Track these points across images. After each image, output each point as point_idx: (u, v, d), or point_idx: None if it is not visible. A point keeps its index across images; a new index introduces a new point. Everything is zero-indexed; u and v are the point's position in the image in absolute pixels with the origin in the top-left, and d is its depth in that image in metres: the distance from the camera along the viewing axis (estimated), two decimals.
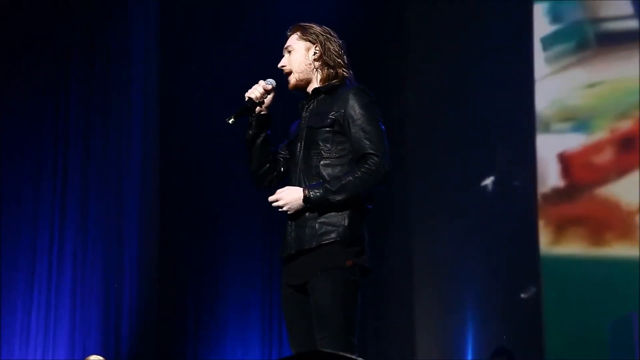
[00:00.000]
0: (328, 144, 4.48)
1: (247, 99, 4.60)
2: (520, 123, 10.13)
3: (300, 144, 4.56)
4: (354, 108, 4.43)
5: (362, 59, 9.91)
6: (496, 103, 10.10)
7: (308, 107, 4.60)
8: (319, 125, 4.50)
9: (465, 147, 10.22)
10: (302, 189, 4.41)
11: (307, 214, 4.44)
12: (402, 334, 10.24)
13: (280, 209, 4.46)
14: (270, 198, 4.47)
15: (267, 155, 4.71)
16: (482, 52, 10.24)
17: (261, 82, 4.62)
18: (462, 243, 10.12)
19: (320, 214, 4.41)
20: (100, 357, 7.25)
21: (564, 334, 9.58)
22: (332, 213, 4.41)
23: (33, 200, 8.73)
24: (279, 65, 4.67)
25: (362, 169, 4.36)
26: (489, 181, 10.28)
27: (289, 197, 4.42)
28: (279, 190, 4.46)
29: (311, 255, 4.40)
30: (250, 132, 4.64)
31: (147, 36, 9.54)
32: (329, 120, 4.47)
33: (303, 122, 4.60)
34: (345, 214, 4.40)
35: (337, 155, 4.46)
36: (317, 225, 4.41)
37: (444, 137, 10.38)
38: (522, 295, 9.92)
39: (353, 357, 3.15)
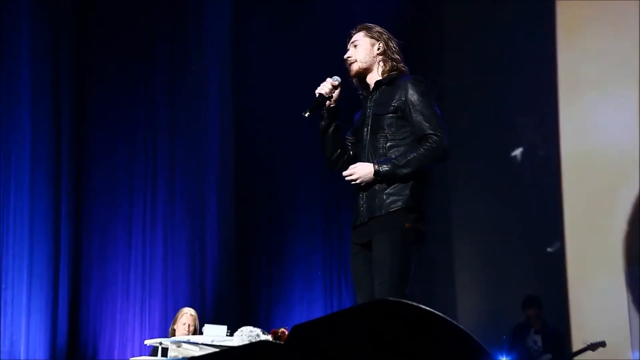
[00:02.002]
0: (392, 128, 4.70)
1: (317, 95, 4.87)
2: (543, 102, 10.30)
3: (367, 130, 4.79)
4: (413, 95, 4.66)
5: (408, 46, 10.63)
6: (520, 86, 10.38)
7: (372, 97, 4.84)
8: (383, 112, 4.74)
9: (496, 124, 10.45)
10: (372, 164, 4.64)
11: (376, 186, 4.65)
12: (444, 281, 10.47)
13: (353, 182, 4.69)
14: (345, 173, 4.74)
15: (338, 142, 4.95)
16: (508, 42, 10.41)
17: (329, 79, 4.90)
18: (494, 206, 10.31)
19: (388, 186, 4.63)
20: (192, 309, 7.50)
21: (584, 284, 9.76)
22: (398, 186, 4.62)
23: (128, 177, 8.86)
24: (345, 56, 4.96)
25: (425, 147, 4.58)
26: (518, 152, 10.48)
27: (361, 171, 4.65)
28: (352, 166, 4.71)
29: (379, 219, 4.65)
30: (323, 123, 4.91)
31: (221, 36, 9.66)
32: (392, 108, 4.69)
33: (368, 110, 4.82)
34: (409, 186, 4.61)
35: (400, 137, 4.68)
36: (384, 196, 4.63)
37: (477, 115, 10.50)
38: (549, 249, 10.22)
39: (416, 304, 3.09)
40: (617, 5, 10.04)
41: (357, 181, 4.69)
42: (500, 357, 8.76)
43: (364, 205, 4.74)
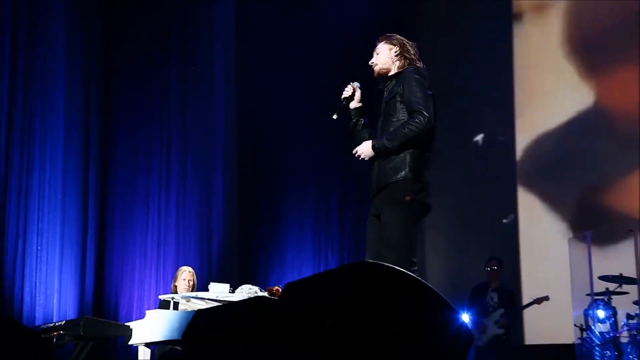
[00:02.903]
0: (395, 110, 4.79)
1: (342, 99, 5.06)
2: (501, 95, 10.38)
3: (381, 117, 4.92)
4: (410, 80, 4.76)
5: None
6: (482, 77, 10.45)
7: (386, 89, 4.98)
8: (389, 98, 4.87)
9: (461, 113, 10.47)
10: (371, 141, 4.80)
11: (377, 161, 4.76)
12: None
13: (359, 158, 4.81)
14: (353, 151, 4.86)
15: (365, 135, 4.99)
16: (472, 38, 10.52)
17: (350, 84, 5.14)
18: (460, 183, 10.48)
19: (386, 160, 4.71)
20: (189, 267, 7.49)
21: (533, 250, 9.91)
22: (396, 158, 4.67)
23: (146, 159, 8.85)
24: (370, 62, 5.10)
25: (411, 122, 4.64)
26: (479, 137, 10.66)
27: (362, 148, 4.79)
28: (358, 146, 4.84)
29: (385, 191, 4.70)
30: (352, 121, 5.06)
31: (227, 41, 9.69)
32: (393, 93, 4.82)
33: (383, 101, 4.95)
34: (407, 159, 4.66)
35: (400, 118, 4.74)
36: (387, 169, 4.69)
37: (445, 104, 10.49)
38: (505, 221, 10.34)
39: (391, 266, 3.16)
40: None
41: (361, 157, 4.81)
42: (463, 312, 8.81)
43: (374, 179, 4.82)
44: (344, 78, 10.32)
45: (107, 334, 6.21)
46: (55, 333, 5.91)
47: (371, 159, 4.81)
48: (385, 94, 4.96)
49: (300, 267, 9.86)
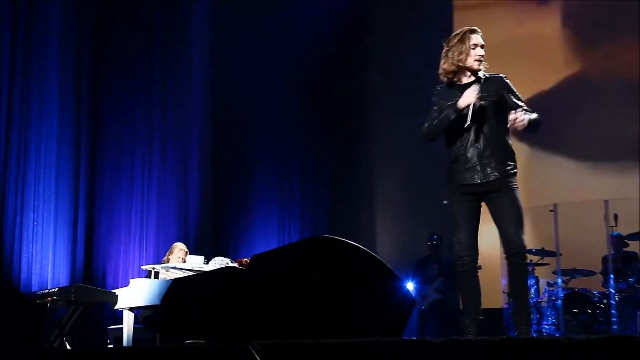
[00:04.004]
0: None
1: (471, 105, 4.33)
2: None
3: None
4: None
5: (343, 49, 10.43)
6: (431, 78, 10.63)
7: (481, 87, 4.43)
8: (496, 97, 4.47)
9: (413, 106, 10.25)
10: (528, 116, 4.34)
11: (489, 150, 4.39)
12: (368, 226, 10.56)
13: (521, 124, 4.31)
14: (518, 117, 4.30)
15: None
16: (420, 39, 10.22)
17: (471, 88, 4.38)
18: (409, 167, 10.33)
19: (503, 152, 4.43)
20: (184, 245, 7.34)
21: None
22: (512, 154, 4.47)
23: (131, 143, 8.67)
24: (483, 54, 4.45)
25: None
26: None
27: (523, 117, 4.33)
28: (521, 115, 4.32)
29: (504, 178, 4.41)
30: (469, 123, 4.36)
31: (202, 32, 9.54)
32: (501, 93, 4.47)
33: (487, 99, 4.46)
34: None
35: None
36: (505, 160, 4.42)
37: (398, 99, 10.45)
38: (445, 202, 10.59)
39: (345, 240, 3.19)
40: None
41: (523, 122, 4.34)
42: (408, 281, 8.87)
43: (488, 169, 4.42)
44: (311, 72, 10.32)
45: (96, 300, 6.21)
46: (49, 298, 5.89)
47: (474, 150, 4.38)
48: (483, 92, 4.39)
49: (267, 240, 9.79)
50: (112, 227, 8.43)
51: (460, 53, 4.44)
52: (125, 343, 5.95)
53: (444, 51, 4.54)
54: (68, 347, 5.95)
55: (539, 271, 8.17)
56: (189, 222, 9.11)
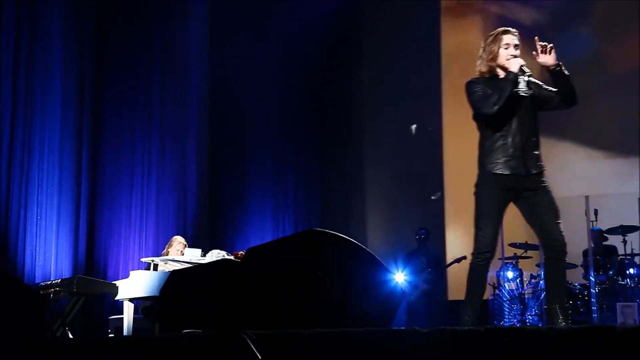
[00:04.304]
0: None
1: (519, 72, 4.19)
2: (431, 92, 10.38)
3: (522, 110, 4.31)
4: None
5: (337, 48, 10.40)
6: (420, 77, 10.41)
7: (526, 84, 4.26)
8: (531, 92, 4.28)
9: (399, 107, 10.52)
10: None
11: (529, 143, 4.31)
12: (358, 218, 10.57)
13: (550, 49, 4.21)
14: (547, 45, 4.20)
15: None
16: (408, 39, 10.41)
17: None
18: (396, 164, 10.47)
19: (537, 148, 4.35)
20: (183, 239, 7.30)
21: (456, 222, 10.01)
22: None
23: (131, 141, 8.60)
24: (515, 53, 4.30)
25: None
26: (413, 127, 10.64)
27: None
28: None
29: (540, 175, 4.33)
30: (526, 90, 4.20)
31: (200, 32, 9.50)
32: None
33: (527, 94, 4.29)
34: None
35: None
36: (539, 156, 4.34)
37: (386, 100, 10.61)
38: (433, 197, 10.42)
39: (336, 233, 3.24)
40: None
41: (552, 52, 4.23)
42: (397, 273, 8.87)
43: (529, 161, 4.31)
44: (305, 70, 10.27)
45: (97, 291, 6.19)
46: (52, 290, 5.86)
47: (519, 140, 4.22)
48: (525, 86, 4.20)
49: (262, 234, 9.74)
50: (113, 221, 8.40)
51: (491, 53, 4.35)
52: (125, 332, 5.94)
53: (479, 52, 4.44)
54: (70, 336, 5.92)
55: (522, 264, 8.20)
56: (187, 216, 9.09)
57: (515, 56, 4.30)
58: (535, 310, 7.68)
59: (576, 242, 8.19)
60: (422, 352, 2.62)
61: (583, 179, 9.29)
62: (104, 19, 8.55)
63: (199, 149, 9.39)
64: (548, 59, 4.19)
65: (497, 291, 8.11)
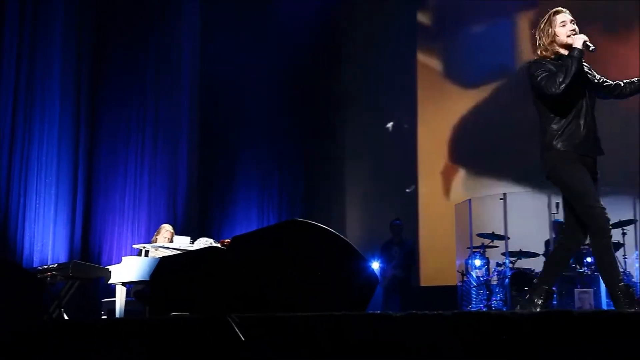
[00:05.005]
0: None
1: (583, 47, 3.88)
2: (407, 95, 10.43)
3: (588, 95, 4.01)
4: None
5: (321, 49, 10.40)
6: (397, 78, 10.45)
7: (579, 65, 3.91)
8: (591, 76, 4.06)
9: (377, 105, 10.61)
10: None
11: (594, 127, 4.00)
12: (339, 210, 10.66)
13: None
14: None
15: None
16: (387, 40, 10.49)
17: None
18: (373, 160, 10.54)
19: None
20: (170, 226, 7.26)
21: (429, 214, 10.16)
22: None
23: (126, 134, 8.50)
24: (574, 28, 3.97)
25: None
26: (390, 124, 10.69)
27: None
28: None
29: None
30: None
31: (191, 31, 9.43)
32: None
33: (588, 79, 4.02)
34: None
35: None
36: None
37: (365, 102, 10.67)
38: (408, 190, 10.45)
39: (315, 223, 3.17)
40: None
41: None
42: (373, 261, 8.89)
43: (597, 144, 3.96)
44: (292, 70, 10.24)
45: (91, 275, 6.16)
46: (49, 273, 5.83)
47: (591, 123, 3.88)
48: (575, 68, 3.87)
49: (248, 223, 9.70)
50: (107, 210, 8.34)
51: (549, 35, 3.97)
52: (117, 315, 5.94)
53: (537, 42, 4.05)
54: (66, 317, 5.89)
55: (489, 253, 8.23)
56: (177, 205, 9.04)
57: (575, 32, 3.94)
58: (500, 296, 7.71)
59: (540, 233, 8.34)
60: (394, 334, 2.61)
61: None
62: (103, 20, 8.49)
63: (190, 143, 9.33)
64: None
65: (465, 278, 8.14)
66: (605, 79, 4.04)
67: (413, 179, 10.30)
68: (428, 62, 10.39)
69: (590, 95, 3.96)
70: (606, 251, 3.68)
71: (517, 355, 2.48)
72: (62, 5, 7.91)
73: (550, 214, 7.93)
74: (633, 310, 3.12)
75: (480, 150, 9.72)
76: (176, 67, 9.23)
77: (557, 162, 3.83)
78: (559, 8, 4.02)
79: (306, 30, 10.17)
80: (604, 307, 7.03)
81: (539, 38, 4.00)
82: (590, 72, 4.04)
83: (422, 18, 10.63)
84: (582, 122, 3.85)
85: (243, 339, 2.55)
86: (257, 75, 9.93)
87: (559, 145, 3.83)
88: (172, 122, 9.10)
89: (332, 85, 10.69)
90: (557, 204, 7.91)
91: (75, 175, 8.00)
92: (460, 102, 9.96)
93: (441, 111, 10.19)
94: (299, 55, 10.18)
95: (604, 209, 3.67)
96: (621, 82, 3.99)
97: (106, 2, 8.54)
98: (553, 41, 3.95)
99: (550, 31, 3.96)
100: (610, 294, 3.65)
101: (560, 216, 8.04)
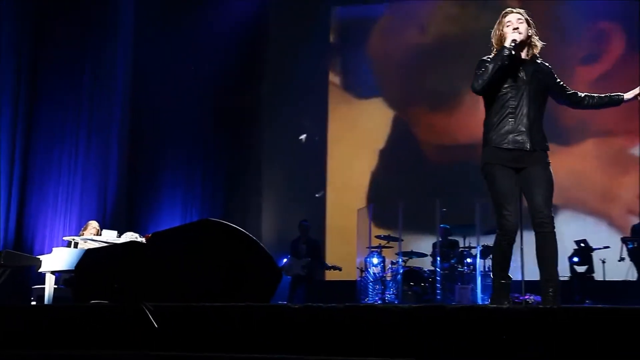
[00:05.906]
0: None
1: (514, 41, 3.71)
2: (319, 108, 10.43)
3: (529, 96, 3.75)
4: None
5: (243, 61, 10.28)
6: (310, 94, 10.47)
7: (524, 70, 3.77)
8: (544, 80, 3.83)
9: (291, 119, 10.53)
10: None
11: (535, 124, 3.76)
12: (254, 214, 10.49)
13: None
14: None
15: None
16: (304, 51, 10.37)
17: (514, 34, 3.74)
18: (289, 167, 10.51)
19: (540, 127, 3.79)
20: (96, 222, 7.09)
21: (337, 217, 10.30)
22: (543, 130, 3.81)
23: (60, 133, 8.26)
24: (516, 27, 3.75)
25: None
26: (303, 136, 10.66)
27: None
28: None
29: (540, 152, 3.76)
30: (506, 63, 3.65)
31: (125, 36, 9.18)
32: (551, 75, 3.85)
33: (523, 75, 3.78)
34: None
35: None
36: (541, 136, 3.79)
37: (282, 112, 10.54)
38: (317, 195, 10.47)
39: (228, 223, 3.11)
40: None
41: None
42: (283, 259, 8.90)
43: (530, 138, 3.70)
44: (215, 80, 10.08)
45: (23, 264, 5.99)
46: None
47: (526, 119, 3.67)
48: (526, 76, 3.74)
49: (172, 220, 9.49)
50: (41, 205, 8.10)
51: (497, 36, 3.81)
52: (46, 301, 5.80)
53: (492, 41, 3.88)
54: None
55: (385, 252, 8.38)
56: (107, 202, 8.81)
57: (516, 29, 3.74)
58: (393, 290, 7.86)
59: (427, 236, 8.57)
60: (293, 324, 2.65)
61: (435, 184, 9.53)
62: (41, 26, 8.25)
63: (121, 144, 9.11)
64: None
65: (363, 274, 8.25)
66: (565, 86, 3.87)
67: (322, 185, 10.36)
68: (336, 80, 10.48)
69: (537, 94, 3.77)
70: (501, 251, 3.64)
71: (395, 343, 2.55)
72: (1, 5, 7.62)
73: (438, 219, 8.13)
74: (502, 306, 3.22)
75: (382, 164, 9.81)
76: (110, 72, 8.99)
77: (487, 161, 3.69)
78: (510, 9, 3.85)
79: (232, 44, 10.08)
80: (479, 302, 7.27)
81: (492, 37, 3.86)
82: (544, 75, 3.82)
83: (334, 39, 10.67)
84: (515, 118, 3.67)
85: (156, 325, 2.52)
86: (185, 85, 9.78)
87: (489, 141, 3.70)
88: (105, 125, 8.86)
89: (252, 98, 10.64)
90: (443, 211, 8.15)
91: (11, 171, 7.73)
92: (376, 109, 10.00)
93: (350, 124, 10.33)
94: (224, 67, 10.09)
95: (513, 219, 3.58)
96: (581, 94, 3.87)
97: (44, 8, 8.27)
98: (500, 41, 3.80)
99: (498, 32, 3.82)
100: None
101: (445, 222, 8.28)
